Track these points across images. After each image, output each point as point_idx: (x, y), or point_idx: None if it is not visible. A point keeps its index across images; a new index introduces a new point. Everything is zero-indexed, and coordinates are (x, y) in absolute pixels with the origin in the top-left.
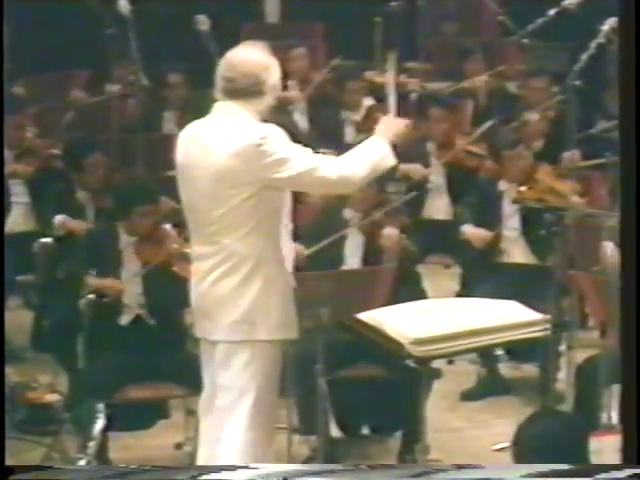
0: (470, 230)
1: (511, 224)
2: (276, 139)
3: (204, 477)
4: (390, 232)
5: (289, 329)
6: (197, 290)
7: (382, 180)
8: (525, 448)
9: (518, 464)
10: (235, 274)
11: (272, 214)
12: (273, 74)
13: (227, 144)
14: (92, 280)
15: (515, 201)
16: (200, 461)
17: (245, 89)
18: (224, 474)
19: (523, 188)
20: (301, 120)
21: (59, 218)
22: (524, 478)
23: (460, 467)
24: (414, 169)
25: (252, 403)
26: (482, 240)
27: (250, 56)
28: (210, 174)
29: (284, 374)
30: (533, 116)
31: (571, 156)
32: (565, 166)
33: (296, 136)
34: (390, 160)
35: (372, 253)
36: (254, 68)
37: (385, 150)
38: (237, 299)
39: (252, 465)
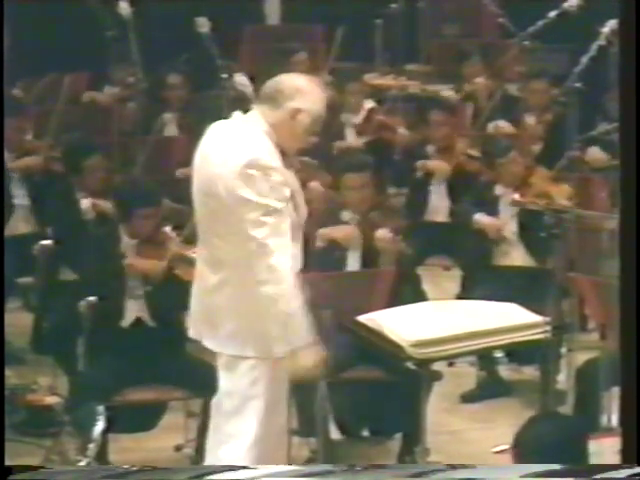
0: (484, 219)
1: (509, 227)
2: (260, 174)
3: (205, 478)
4: (383, 234)
5: (280, 348)
6: (196, 292)
7: (382, 182)
8: (525, 450)
9: (514, 464)
10: (229, 285)
11: None
12: (301, 99)
13: (217, 156)
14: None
15: (512, 204)
16: (207, 462)
17: (265, 93)
18: (224, 475)
19: (517, 195)
20: None
21: (86, 201)
22: (522, 478)
23: (454, 467)
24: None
25: (258, 408)
26: (496, 228)
27: (292, 76)
28: (199, 176)
29: None
30: (532, 119)
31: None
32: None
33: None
34: None
35: (370, 255)
36: (283, 81)
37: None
38: (231, 312)
39: (251, 466)
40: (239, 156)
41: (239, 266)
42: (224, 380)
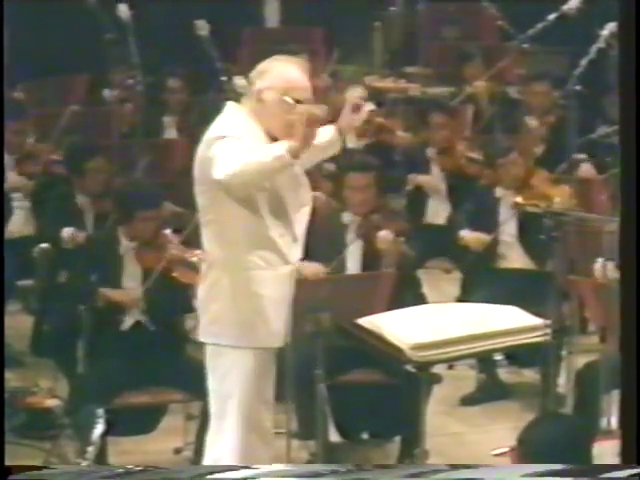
0: (468, 234)
1: (509, 230)
2: (227, 141)
3: (205, 478)
4: (385, 235)
5: (258, 338)
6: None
7: (382, 184)
8: (529, 450)
9: (514, 464)
10: (213, 269)
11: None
12: (260, 80)
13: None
14: (104, 291)
15: (512, 207)
16: (203, 464)
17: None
18: (225, 474)
19: (519, 198)
20: None
21: (68, 231)
22: (522, 478)
23: (454, 467)
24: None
25: (236, 406)
26: (481, 243)
27: (266, 61)
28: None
29: (283, 379)
30: (533, 121)
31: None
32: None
33: None
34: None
35: (371, 258)
36: (256, 69)
37: (276, 151)
38: (209, 301)
39: (253, 465)
40: (209, 133)
41: (221, 256)
42: (209, 379)
